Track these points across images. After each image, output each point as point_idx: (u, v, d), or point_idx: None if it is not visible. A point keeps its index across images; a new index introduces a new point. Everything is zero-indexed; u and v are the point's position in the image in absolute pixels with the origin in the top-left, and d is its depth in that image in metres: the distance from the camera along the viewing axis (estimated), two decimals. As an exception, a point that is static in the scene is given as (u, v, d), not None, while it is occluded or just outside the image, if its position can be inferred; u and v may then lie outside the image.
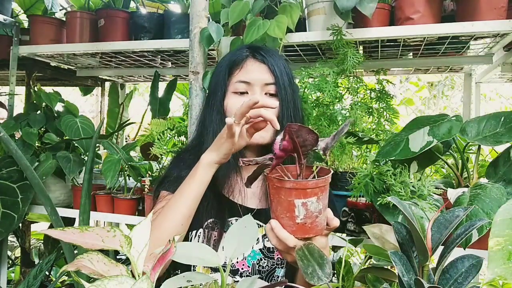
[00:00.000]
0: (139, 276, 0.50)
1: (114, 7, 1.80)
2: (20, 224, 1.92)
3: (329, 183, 0.72)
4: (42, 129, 1.77)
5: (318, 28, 1.38)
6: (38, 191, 1.53)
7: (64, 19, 1.86)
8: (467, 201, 0.96)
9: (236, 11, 1.30)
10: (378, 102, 1.43)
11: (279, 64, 0.99)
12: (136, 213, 1.64)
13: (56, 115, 1.84)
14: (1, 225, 1.56)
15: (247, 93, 0.98)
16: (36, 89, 1.96)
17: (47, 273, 2.05)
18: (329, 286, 0.63)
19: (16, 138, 1.78)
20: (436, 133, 1.02)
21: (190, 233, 0.97)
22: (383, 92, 1.44)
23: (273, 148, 0.69)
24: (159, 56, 1.94)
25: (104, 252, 0.57)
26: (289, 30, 1.30)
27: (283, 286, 0.64)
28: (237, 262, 0.96)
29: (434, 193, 1.03)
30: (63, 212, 1.68)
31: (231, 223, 0.98)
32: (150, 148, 1.41)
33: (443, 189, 1.10)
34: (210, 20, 1.37)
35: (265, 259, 0.97)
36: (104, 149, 1.85)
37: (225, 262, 0.91)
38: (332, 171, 0.73)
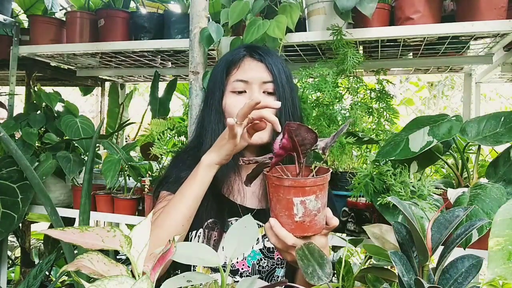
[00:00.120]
0: (139, 276, 0.50)
1: (114, 7, 1.80)
2: (20, 224, 1.92)
3: (329, 183, 0.72)
4: (42, 129, 1.77)
5: (318, 28, 1.38)
6: (38, 191, 1.53)
7: (64, 19, 1.86)
8: (467, 201, 0.96)
9: (236, 11, 1.30)
10: (378, 102, 1.43)
11: (276, 63, 0.99)
12: (136, 213, 1.64)
13: (56, 115, 1.84)
14: (1, 225, 1.56)
15: (245, 92, 0.98)
16: (36, 89, 1.96)
17: (47, 273, 2.05)
18: (329, 286, 0.63)
19: (16, 138, 1.78)
20: (436, 133, 1.02)
21: (190, 233, 0.97)
22: (383, 92, 1.44)
23: (273, 147, 0.70)
24: (159, 56, 1.94)
25: (104, 252, 0.57)
26: (289, 30, 1.30)
27: (283, 286, 0.64)
28: (237, 262, 0.96)
29: (434, 193, 1.03)
30: (63, 212, 1.68)
31: (231, 223, 0.98)
32: (150, 148, 1.41)
33: (443, 189, 1.10)
34: (210, 20, 1.37)
35: (265, 259, 0.97)
36: (104, 149, 1.85)
37: (225, 262, 0.91)
38: (331, 170, 0.73)
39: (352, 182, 1.12)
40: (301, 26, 1.47)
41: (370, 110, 1.41)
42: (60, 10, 2.08)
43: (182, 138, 1.51)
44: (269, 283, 0.61)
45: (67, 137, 1.74)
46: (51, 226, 1.89)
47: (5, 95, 1.88)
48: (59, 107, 1.86)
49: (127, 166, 1.61)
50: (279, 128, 0.80)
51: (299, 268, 0.68)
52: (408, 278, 0.57)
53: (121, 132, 2.46)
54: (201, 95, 1.34)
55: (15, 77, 1.83)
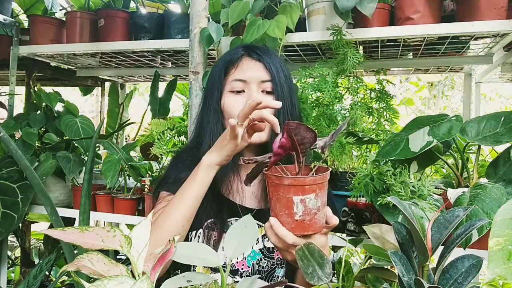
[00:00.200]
0: (139, 276, 0.50)
1: (114, 7, 1.80)
2: (20, 224, 1.92)
3: (329, 183, 0.72)
4: (42, 129, 1.77)
5: (318, 28, 1.38)
6: (38, 191, 1.53)
7: (64, 19, 1.86)
8: (467, 201, 0.96)
9: (236, 11, 1.30)
10: (378, 102, 1.43)
11: (274, 62, 0.99)
12: (136, 213, 1.64)
13: (56, 115, 1.84)
14: (1, 225, 1.56)
15: (243, 91, 0.97)
16: (36, 89, 1.96)
17: (47, 273, 2.05)
18: (329, 286, 0.63)
19: (16, 138, 1.78)
20: (436, 133, 1.02)
21: (190, 233, 0.97)
22: (383, 92, 1.44)
23: (272, 147, 0.70)
24: (159, 56, 1.94)
25: (104, 252, 0.57)
26: (289, 30, 1.30)
27: (283, 286, 0.64)
28: (237, 262, 0.96)
29: (434, 193, 1.03)
30: (63, 212, 1.68)
31: (231, 223, 0.98)
32: (150, 148, 1.41)
33: (443, 189, 1.10)
34: (210, 20, 1.37)
35: (265, 259, 0.97)
36: (104, 149, 1.85)
37: (225, 262, 0.91)
38: (330, 169, 0.73)
39: (352, 182, 1.12)
40: (301, 26, 1.47)
41: (370, 110, 1.41)
42: (60, 10, 2.08)
43: (182, 138, 1.51)
44: (269, 283, 0.61)
45: (67, 137, 1.74)
46: (51, 226, 1.89)
47: (5, 95, 1.88)
48: (59, 107, 1.86)
49: (127, 166, 1.61)
50: (278, 130, 0.80)
51: (299, 268, 0.68)
52: (408, 278, 0.57)
53: (121, 132, 2.46)
54: (201, 95, 1.34)
55: (15, 77, 1.83)
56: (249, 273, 0.96)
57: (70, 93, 3.53)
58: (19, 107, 1.96)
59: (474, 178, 1.12)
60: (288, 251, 0.74)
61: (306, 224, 0.70)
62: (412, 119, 1.13)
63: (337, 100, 1.33)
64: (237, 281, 0.91)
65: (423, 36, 1.35)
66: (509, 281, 0.42)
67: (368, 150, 1.46)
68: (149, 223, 0.57)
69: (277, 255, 0.97)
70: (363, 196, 1.15)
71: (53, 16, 1.94)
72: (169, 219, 0.87)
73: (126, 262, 1.81)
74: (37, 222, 2.29)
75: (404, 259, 0.59)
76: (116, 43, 1.67)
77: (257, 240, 0.98)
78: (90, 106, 3.61)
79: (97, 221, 2.60)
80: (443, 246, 0.60)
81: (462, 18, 1.29)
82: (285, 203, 0.70)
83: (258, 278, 0.86)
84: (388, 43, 1.52)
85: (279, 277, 0.98)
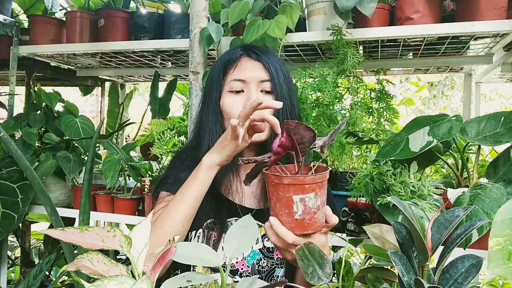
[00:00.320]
0: (139, 276, 0.50)
1: (114, 7, 1.80)
2: (20, 224, 1.92)
3: (329, 183, 0.72)
4: (42, 129, 1.77)
5: (318, 28, 1.38)
6: (38, 191, 1.53)
7: (64, 19, 1.86)
8: (467, 201, 0.96)
9: (236, 11, 1.30)
10: (378, 102, 1.43)
11: (273, 62, 0.99)
12: (136, 213, 1.64)
13: (56, 115, 1.84)
14: (1, 225, 1.56)
15: (242, 91, 0.97)
16: (36, 89, 1.96)
17: (47, 273, 2.05)
18: (329, 286, 0.63)
19: (16, 138, 1.78)
20: (436, 133, 1.02)
21: (189, 233, 0.97)
22: (383, 92, 1.44)
23: (272, 146, 0.70)
24: (159, 56, 1.94)
25: (104, 252, 0.57)
26: (289, 30, 1.30)
27: (283, 286, 0.64)
28: (237, 262, 0.96)
29: (434, 193, 1.03)
30: (63, 212, 1.68)
31: (230, 223, 0.98)
32: (150, 148, 1.41)
33: (443, 189, 1.10)
34: (210, 20, 1.37)
35: (264, 259, 0.97)
36: (104, 149, 1.85)
37: (224, 262, 0.91)
38: (329, 169, 0.73)
39: (352, 182, 1.12)
40: (301, 26, 1.47)
41: (370, 110, 1.41)
42: (60, 10, 2.08)
43: (182, 138, 1.51)
44: (269, 283, 0.61)
45: (67, 137, 1.74)
46: (51, 226, 1.89)
47: (5, 95, 1.88)
48: (59, 107, 1.86)
49: (127, 166, 1.61)
50: (279, 131, 0.80)
51: (299, 268, 0.68)
52: (408, 278, 0.57)
53: (121, 132, 2.46)
54: (201, 95, 1.34)
55: (15, 77, 1.83)
56: (248, 273, 0.96)
57: (70, 93, 3.53)
58: (19, 107, 1.96)
59: (474, 178, 1.12)
60: (288, 250, 0.74)
61: (305, 223, 0.70)
62: (412, 119, 1.13)
63: (337, 100, 1.33)
64: (237, 281, 0.91)
65: (423, 36, 1.35)
66: (509, 281, 0.42)
67: (368, 150, 1.46)
68: (149, 223, 0.57)
69: (277, 255, 0.97)
70: (363, 196, 1.15)
71: (53, 16, 1.94)
72: (169, 219, 0.87)
73: (126, 262, 1.81)
74: (37, 222, 2.29)
75: (404, 259, 0.59)
76: (116, 43, 1.67)
77: (256, 240, 0.98)
78: (90, 106, 3.62)
79: (97, 221, 2.60)
80: (443, 246, 0.60)
81: (462, 18, 1.29)
82: (284, 203, 0.70)
83: (258, 278, 0.86)
84: (388, 43, 1.52)
85: (279, 277, 0.98)
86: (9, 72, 1.82)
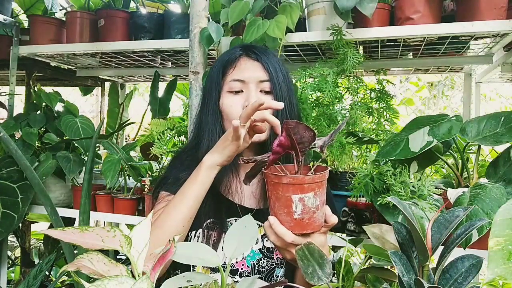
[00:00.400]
0: (139, 276, 0.50)
1: (114, 7, 1.80)
2: (20, 224, 1.92)
3: (329, 183, 0.72)
4: (42, 129, 1.77)
5: (318, 28, 1.38)
6: (38, 191, 1.53)
7: (64, 19, 1.86)
8: (467, 201, 0.96)
9: (236, 11, 1.30)
10: (378, 102, 1.43)
11: (272, 62, 0.99)
12: (136, 213, 1.64)
13: (56, 115, 1.84)
14: (1, 225, 1.56)
15: (242, 91, 0.97)
16: (36, 89, 1.96)
17: (47, 273, 2.05)
18: (329, 286, 0.63)
19: (16, 138, 1.78)
20: (436, 133, 1.02)
21: (189, 233, 0.97)
22: (383, 92, 1.44)
23: (272, 146, 0.70)
24: (159, 56, 1.94)
25: (104, 252, 0.57)
26: (289, 30, 1.30)
27: (283, 286, 0.64)
28: (237, 262, 0.96)
29: (434, 193, 1.03)
30: (63, 212, 1.68)
31: (230, 223, 0.98)
32: (150, 148, 1.41)
33: (443, 189, 1.10)
34: (210, 20, 1.37)
35: (264, 259, 0.97)
36: (104, 149, 1.85)
37: (224, 262, 0.91)
38: (329, 168, 0.73)
39: (352, 182, 1.12)
40: (301, 26, 1.47)
41: (370, 110, 1.41)
42: (60, 10, 2.08)
43: (182, 138, 1.51)
44: (269, 283, 0.61)
45: (67, 137, 1.74)
46: (51, 226, 1.89)
47: (5, 95, 1.88)
48: (59, 107, 1.86)
49: (127, 166, 1.61)
50: (279, 132, 0.80)
51: (299, 268, 0.68)
52: (408, 278, 0.57)
53: (121, 132, 2.46)
54: (201, 95, 1.34)
55: (15, 77, 1.83)
56: (248, 273, 0.96)
57: (70, 93, 3.53)
58: (19, 107, 1.96)
59: (474, 178, 1.12)
60: (287, 250, 0.74)
61: (305, 223, 0.71)
62: (412, 119, 1.13)
63: (337, 100, 1.33)
64: (237, 281, 0.91)
65: (423, 36, 1.35)
66: (509, 281, 0.42)
67: (368, 150, 1.46)
68: (149, 223, 0.57)
69: (277, 255, 0.97)
70: (363, 196, 1.15)
71: (53, 16, 1.94)
72: (170, 219, 0.87)
73: (126, 262, 1.81)
74: (37, 222, 2.29)
75: (404, 259, 0.59)
76: (116, 43, 1.67)
77: (256, 240, 0.98)
78: (90, 106, 3.62)
79: (97, 221, 2.60)
80: (443, 246, 0.60)
81: (462, 18, 1.29)
82: (284, 202, 0.70)
83: (258, 278, 0.86)
84: (388, 43, 1.52)
85: (279, 277, 0.98)
86: (9, 72, 1.82)
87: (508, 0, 1.26)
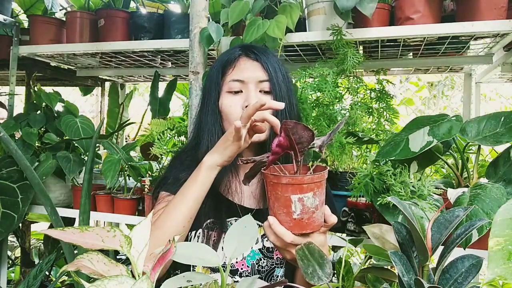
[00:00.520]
0: (139, 276, 0.50)
1: (114, 7, 1.80)
2: (20, 224, 1.92)
3: (329, 183, 0.72)
4: (42, 129, 1.77)
5: (318, 28, 1.38)
6: (38, 191, 1.53)
7: (64, 19, 1.86)
8: (467, 201, 0.96)
9: (236, 11, 1.30)
10: (378, 102, 1.43)
11: (272, 62, 0.99)
12: (136, 213, 1.64)
13: (56, 115, 1.84)
14: (1, 225, 1.56)
15: (241, 91, 0.97)
16: (36, 89, 1.96)
17: (47, 273, 2.05)
18: (329, 286, 0.63)
19: (16, 138, 1.78)
20: (436, 133, 1.02)
21: (189, 233, 0.97)
22: (383, 92, 1.44)
23: (271, 146, 0.70)
24: (159, 56, 1.94)
25: (104, 252, 0.57)
26: (289, 30, 1.30)
27: (283, 286, 0.64)
28: (237, 262, 0.96)
29: (434, 193, 1.03)
30: (63, 212, 1.68)
31: (230, 223, 0.98)
32: (150, 148, 1.41)
33: (443, 189, 1.10)
34: (210, 20, 1.37)
35: (264, 259, 0.97)
36: (104, 149, 1.85)
37: (224, 262, 0.91)
38: (328, 168, 0.73)
39: (352, 182, 1.12)
40: (301, 26, 1.47)
41: (370, 110, 1.41)
42: (60, 10, 2.08)
43: (182, 138, 1.51)
44: (269, 283, 0.61)
45: (67, 137, 1.74)
46: (51, 226, 1.89)
47: (5, 95, 1.88)
48: (59, 107, 1.86)
49: (127, 166, 1.61)
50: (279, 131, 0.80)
51: (299, 268, 0.68)
52: (408, 278, 0.57)
53: (121, 132, 2.46)
54: (201, 95, 1.34)
55: (15, 77, 1.83)
56: (248, 273, 0.96)
57: (70, 93, 3.53)
58: (19, 107, 1.96)
59: (474, 178, 1.12)
60: (287, 250, 0.74)
61: (304, 223, 0.71)
62: (412, 119, 1.13)
63: (337, 100, 1.33)
64: (237, 281, 0.91)
65: (423, 36, 1.35)
66: (509, 281, 0.42)
67: (368, 150, 1.46)
68: (149, 223, 0.57)
69: (277, 255, 0.97)
70: (363, 196, 1.15)
71: (53, 16, 1.94)
72: (170, 220, 0.87)
73: (126, 262, 1.81)
74: (37, 222, 2.29)
75: (404, 259, 0.59)
76: (116, 43, 1.67)
77: (256, 240, 0.98)
78: (90, 106, 3.62)
79: (97, 221, 2.60)
80: (443, 246, 0.60)
81: (462, 18, 1.29)
82: (283, 202, 0.70)
83: (258, 278, 0.86)
84: (388, 43, 1.52)
85: (279, 277, 0.98)
86: (9, 72, 1.82)
87: (508, 0, 1.26)
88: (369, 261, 0.96)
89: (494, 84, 2.90)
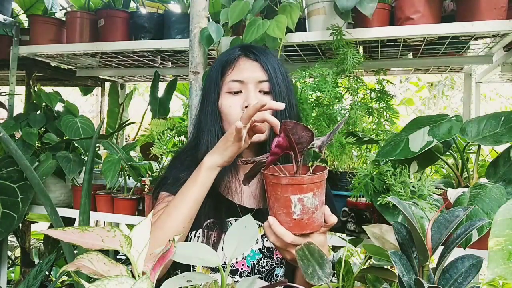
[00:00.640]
0: (139, 276, 0.50)
1: (114, 7, 1.80)
2: (20, 224, 1.92)
3: (329, 183, 0.72)
4: (42, 129, 1.77)
5: (318, 28, 1.38)
6: (38, 191, 1.53)
7: (64, 19, 1.86)
8: (467, 201, 0.96)
9: (236, 11, 1.30)
10: (378, 102, 1.43)
11: (271, 62, 0.98)
12: (136, 213, 1.64)
13: (56, 115, 1.84)
14: (1, 225, 1.56)
15: (241, 92, 0.97)
16: (36, 89, 1.96)
17: (47, 273, 2.05)
18: (329, 286, 0.63)
19: (16, 138, 1.78)
20: (436, 133, 1.02)
21: (189, 233, 0.97)
22: (383, 92, 1.44)
23: (270, 146, 0.70)
24: (159, 56, 1.94)
25: (104, 252, 0.57)
26: (289, 30, 1.30)
27: (283, 286, 0.64)
28: (237, 262, 0.96)
29: (434, 193, 1.03)
30: (63, 212, 1.68)
31: (230, 223, 0.98)
32: (150, 148, 1.41)
33: (443, 189, 1.10)
34: (210, 20, 1.37)
35: (264, 259, 0.97)
36: (104, 149, 1.85)
37: (224, 262, 0.91)
38: (327, 168, 0.73)
39: (352, 182, 1.12)
40: (301, 26, 1.47)
41: (370, 110, 1.41)
42: (60, 10, 2.08)
43: (182, 138, 1.51)
44: (269, 283, 0.61)
45: (67, 137, 1.74)
46: (51, 226, 1.89)
47: (5, 95, 1.88)
48: (59, 107, 1.87)
49: (127, 166, 1.61)
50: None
51: (299, 268, 0.68)
52: (408, 278, 0.57)
53: (121, 132, 2.46)
54: (200, 95, 1.34)
55: (15, 77, 1.83)
56: (248, 273, 0.96)
57: (70, 93, 3.53)
58: (19, 107, 1.96)
59: (474, 178, 1.12)
60: (287, 250, 0.74)
61: (304, 223, 0.71)
62: (412, 119, 1.13)
63: (337, 100, 1.33)
64: (237, 281, 0.91)
65: (423, 36, 1.35)
66: (509, 281, 0.42)
67: (368, 150, 1.46)
68: (149, 223, 0.57)
69: (277, 254, 0.97)
70: (363, 196, 1.15)
71: (53, 16, 1.94)
72: (170, 220, 0.87)
73: (126, 262, 1.81)
74: (37, 222, 2.29)
75: (404, 259, 0.59)
76: (116, 43, 1.67)
77: (256, 240, 0.98)
78: (90, 106, 3.62)
79: (97, 221, 2.60)
80: (443, 246, 0.60)
81: (462, 18, 1.29)
82: (283, 202, 0.70)
83: (258, 278, 0.86)
84: (388, 43, 1.52)
85: (279, 277, 0.98)
86: (9, 72, 1.82)
87: (508, 0, 1.26)
88: (369, 261, 0.96)
89: (494, 84, 2.90)
